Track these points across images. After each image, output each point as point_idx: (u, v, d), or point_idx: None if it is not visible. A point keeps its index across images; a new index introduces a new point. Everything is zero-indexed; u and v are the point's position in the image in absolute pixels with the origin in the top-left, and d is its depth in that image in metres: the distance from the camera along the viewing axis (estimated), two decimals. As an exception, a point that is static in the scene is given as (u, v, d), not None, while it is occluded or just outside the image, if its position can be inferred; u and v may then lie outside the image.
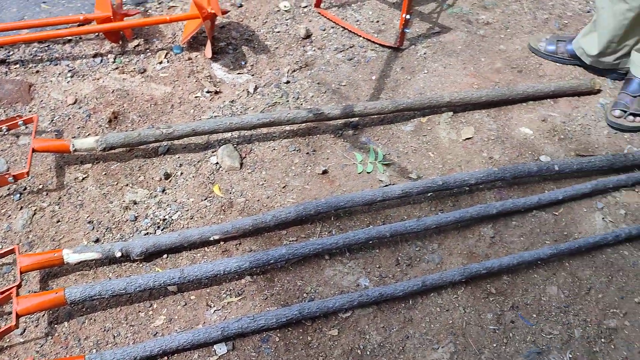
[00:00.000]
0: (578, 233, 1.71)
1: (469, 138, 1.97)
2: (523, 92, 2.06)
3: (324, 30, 2.37)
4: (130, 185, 1.76)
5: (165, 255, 1.59)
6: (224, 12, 2.19)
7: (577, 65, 2.23)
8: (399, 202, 1.76)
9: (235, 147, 1.89)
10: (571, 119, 2.05)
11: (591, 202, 1.78)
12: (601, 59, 2.13)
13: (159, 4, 2.39)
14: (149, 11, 2.35)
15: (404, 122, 2.02)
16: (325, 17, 2.42)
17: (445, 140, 1.96)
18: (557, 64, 2.25)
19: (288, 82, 2.15)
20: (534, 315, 1.52)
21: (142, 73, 2.11)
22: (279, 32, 2.35)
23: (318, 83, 2.15)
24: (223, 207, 1.73)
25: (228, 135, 1.93)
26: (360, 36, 2.34)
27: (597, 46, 2.10)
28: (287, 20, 2.41)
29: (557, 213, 1.76)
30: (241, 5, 2.45)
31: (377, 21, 2.43)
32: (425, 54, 2.28)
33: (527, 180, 1.84)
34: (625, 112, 2.00)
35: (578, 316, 1.53)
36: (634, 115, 2.00)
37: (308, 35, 2.34)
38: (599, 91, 2.14)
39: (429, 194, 1.77)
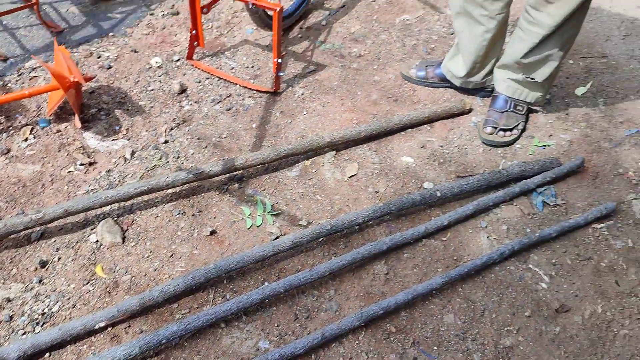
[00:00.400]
0: (467, 255, 1.76)
1: (354, 175, 1.98)
2: (400, 122, 2.11)
3: (199, 82, 2.33)
4: (2, 281, 1.63)
5: (47, 355, 1.47)
6: (89, 79, 2.10)
7: (448, 87, 2.32)
8: (292, 252, 1.74)
9: (115, 220, 1.80)
10: (448, 142, 2.12)
11: (476, 222, 1.84)
12: (469, 80, 2.23)
13: (19, 75, 2.26)
14: (8, 85, 2.21)
15: (288, 167, 2.01)
16: (199, 68, 2.38)
17: (331, 181, 1.97)
18: (430, 88, 2.33)
19: (167, 141, 2.08)
20: (435, 348, 1.54)
21: (5, 154, 1.98)
22: (152, 90, 2.29)
23: (198, 138, 2.10)
24: (108, 289, 1.63)
25: (107, 208, 1.83)
26: (236, 84, 2.32)
27: (463, 68, 2.19)
28: (160, 76, 2.35)
29: (445, 239, 1.80)
30: (110, 67, 2.36)
31: (252, 66, 2.42)
32: (303, 94, 2.29)
33: (413, 210, 1.87)
34: (495, 128, 2.10)
35: (476, 340, 1.56)
36: (504, 130, 2.10)
37: (183, 90, 2.29)
38: (470, 110, 2.23)
39: (321, 239, 1.76)
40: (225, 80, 2.34)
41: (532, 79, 2.03)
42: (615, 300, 1.65)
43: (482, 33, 2.06)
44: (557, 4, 1.79)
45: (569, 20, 1.82)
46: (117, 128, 2.12)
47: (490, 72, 2.21)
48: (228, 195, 1.91)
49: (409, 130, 2.15)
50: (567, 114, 2.23)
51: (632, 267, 1.73)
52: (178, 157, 2.03)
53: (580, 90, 2.32)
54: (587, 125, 2.19)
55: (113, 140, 2.07)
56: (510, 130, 2.10)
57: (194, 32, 2.32)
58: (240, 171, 1.96)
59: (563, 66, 2.42)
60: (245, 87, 2.31)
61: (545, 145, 2.10)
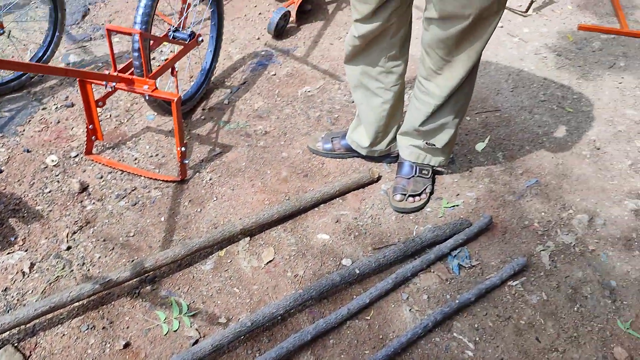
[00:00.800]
0: (392, 332, 1.74)
1: (271, 260, 1.94)
2: (312, 199, 2.10)
3: (101, 177, 2.23)
4: None
5: None
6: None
7: (355, 157, 2.35)
8: (214, 355, 1.65)
9: (16, 346, 1.65)
10: (361, 213, 2.13)
11: (397, 296, 1.84)
12: (373, 149, 2.27)
13: None
14: None
15: (202, 261, 1.94)
16: (100, 163, 2.29)
17: (247, 270, 1.91)
18: (338, 159, 2.35)
19: (69, 248, 1.96)
20: None
21: None
22: (50, 191, 2.16)
23: (104, 240, 1.99)
24: None
25: (6, 334, 1.68)
26: (141, 176, 2.24)
27: (366, 138, 2.23)
28: (57, 176, 2.23)
29: (368, 317, 1.78)
30: (1, 171, 2.22)
31: (157, 154, 2.35)
32: (211, 179, 2.24)
33: (334, 291, 1.85)
34: (404, 195, 2.13)
35: None
36: (413, 196, 2.14)
37: (84, 188, 2.18)
38: (379, 178, 2.26)
39: (243, 337, 1.69)
40: (129, 172, 2.25)
41: (432, 145, 2.09)
42: (538, 358, 1.68)
43: (381, 104, 2.12)
44: (444, 75, 1.87)
45: (459, 90, 1.90)
46: (12, 239, 1.97)
47: (394, 139, 2.26)
48: (140, 301, 1.80)
49: (322, 205, 2.14)
50: (470, 171, 2.31)
51: (549, 321, 1.78)
52: (83, 264, 1.91)
53: (480, 146, 2.42)
54: (490, 180, 2.28)
55: (8, 253, 1.93)
56: (419, 195, 2.15)
57: (90, 126, 2.23)
58: (152, 272, 1.87)
59: (462, 123, 2.52)
60: (151, 178, 2.23)
61: (453, 206, 2.16)
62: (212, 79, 2.70)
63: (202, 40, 2.38)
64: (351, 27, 1.95)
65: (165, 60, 2.73)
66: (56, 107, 2.56)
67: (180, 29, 2.36)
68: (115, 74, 2.06)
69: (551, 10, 3.40)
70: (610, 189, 2.25)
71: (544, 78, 2.85)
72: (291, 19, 3.11)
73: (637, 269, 1.95)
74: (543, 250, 2.00)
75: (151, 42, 2.23)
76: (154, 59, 2.86)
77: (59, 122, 2.49)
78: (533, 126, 2.55)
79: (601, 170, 2.34)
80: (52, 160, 2.29)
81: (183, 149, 2.14)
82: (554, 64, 2.96)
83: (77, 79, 2.12)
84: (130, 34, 2.05)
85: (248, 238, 2.01)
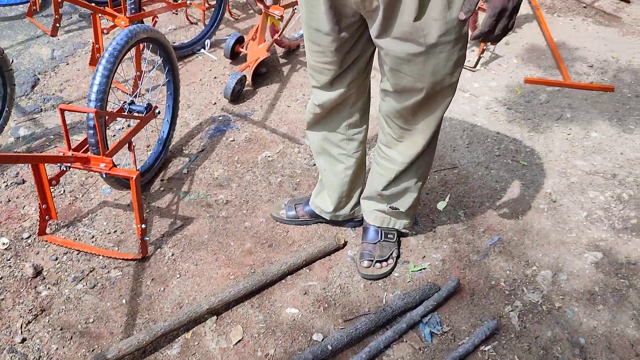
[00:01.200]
0: (369, 411, 1.70)
1: (240, 340, 1.88)
2: (278, 271, 2.06)
3: (56, 259, 2.13)
4: None
5: None
6: None
7: (320, 222, 2.33)
8: None
9: None
10: (329, 283, 2.10)
11: (371, 370, 1.80)
12: (337, 213, 2.26)
13: None
14: None
15: (168, 345, 1.86)
16: (54, 243, 2.19)
17: (216, 352, 1.84)
18: (302, 226, 2.33)
19: (24, 340, 1.85)
20: None
21: None
22: (1, 278, 2.05)
23: (61, 329, 1.89)
24: None
25: None
26: (99, 255, 2.15)
27: (330, 203, 2.23)
28: (8, 260, 2.12)
29: (344, 396, 1.73)
30: (-53, 259, 2.10)
31: (115, 231, 2.28)
32: (173, 255, 2.18)
33: (307, 369, 1.79)
34: (371, 261, 2.12)
35: None
36: (380, 261, 2.13)
37: (38, 272, 2.08)
38: (345, 244, 2.25)
39: None
40: (86, 252, 2.16)
41: (396, 208, 2.10)
42: None
43: (343, 170, 2.12)
44: (405, 143, 1.89)
45: (420, 156, 1.93)
46: (-39, 335, 1.85)
47: (357, 203, 2.26)
48: (103, 395, 1.70)
49: (289, 277, 2.11)
50: (434, 232, 2.33)
51: (524, 386, 1.78)
52: (39, 357, 1.80)
53: (441, 205, 2.45)
54: (454, 240, 2.29)
55: (-43, 352, 1.80)
56: (386, 260, 2.14)
57: (44, 206, 2.14)
58: (114, 362, 1.77)
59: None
60: (110, 257, 2.15)
61: (421, 269, 2.16)
62: (169, 147, 2.66)
63: (159, 112, 2.35)
64: (311, 94, 1.96)
65: (122, 134, 2.68)
66: (6, 185, 2.46)
67: (136, 101, 2.33)
68: (70, 154, 2.00)
69: (498, 65, 3.54)
70: (569, 242, 2.31)
71: (497, 132, 2.94)
72: (247, 82, 3.12)
73: (603, 323, 1.98)
74: (511, 310, 2.01)
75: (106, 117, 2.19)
76: (108, 128, 2.80)
77: (9, 201, 2.39)
78: (491, 182, 2.61)
79: (559, 223, 2.40)
80: (3, 244, 2.18)
81: (143, 226, 2.08)
82: (505, 118, 3.06)
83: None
84: (85, 112, 2.00)
85: (215, 317, 1.94)
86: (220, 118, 2.94)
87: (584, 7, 4.30)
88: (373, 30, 1.63)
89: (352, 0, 1.57)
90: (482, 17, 3.65)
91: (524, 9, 4.20)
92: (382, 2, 1.51)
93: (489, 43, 1.47)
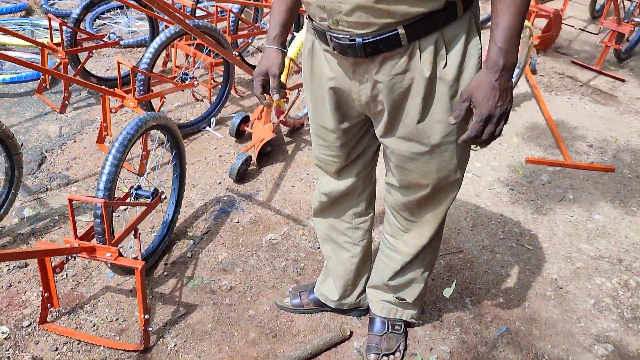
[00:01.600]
0: None
1: None
2: (283, 365, 2.02)
3: (56, 350, 2.09)
4: None
5: None
6: None
7: (325, 311, 2.30)
8: None
9: None
10: (335, 377, 2.05)
11: None
12: (343, 302, 2.23)
13: None
14: None
15: None
16: (55, 332, 2.15)
17: None
18: (307, 314, 2.29)
19: None
20: None
21: None
22: (-1, 370, 2.00)
23: None
24: None
25: None
26: (100, 345, 2.11)
27: (335, 292, 2.20)
28: (7, 351, 2.07)
29: None
30: (-56, 350, 2.05)
31: (117, 319, 2.24)
32: (176, 346, 2.14)
33: None
34: (379, 354, 2.08)
35: None
36: (387, 354, 2.09)
37: (37, 365, 2.03)
38: (350, 334, 2.21)
39: None
40: (87, 342, 2.12)
41: (402, 299, 2.08)
42: None
43: (349, 258, 2.11)
44: (411, 234, 1.90)
45: (426, 247, 1.92)
46: None
47: (363, 291, 2.24)
48: None
49: (294, 370, 2.06)
50: (441, 321, 2.30)
51: None
52: None
53: (447, 292, 2.42)
54: (461, 330, 2.26)
55: None
56: (393, 353, 2.10)
57: (46, 294, 2.12)
58: None
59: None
60: (111, 348, 2.10)
61: (428, 363, 2.12)
62: (174, 229, 2.66)
63: (166, 198, 2.36)
64: (318, 182, 1.98)
65: (128, 223, 2.69)
66: (8, 269, 2.44)
67: (142, 184, 2.34)
68: (77, 244, 1.99)
69: (499, 144, 3.60)
70: (578, 332, 2.27)
71: (500, 214, 2.95)
72: (252, 161, 3.15)
73: None
74: (522, 409, 1.96)
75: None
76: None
77: (10, 285, 2.36)
78: (496, 266, 2.60)
79: (567, 311, 2.37)
80: (3, 332, 2.14)
81: (147, 316, 2.04)
82: (508, 199, 3.08)
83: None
84: (93, 202, 2.01)
85: (218, 416, 1.88)
86: (225, 198, 2.95)
87: (580, 85, 4.41)
88: (378, 130, 1.66)
89: (357, 104, 1.61)
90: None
91: (522, 87, 4.31)
92: (386, 106, 1.54)
93: (478, 147, 1.50)
